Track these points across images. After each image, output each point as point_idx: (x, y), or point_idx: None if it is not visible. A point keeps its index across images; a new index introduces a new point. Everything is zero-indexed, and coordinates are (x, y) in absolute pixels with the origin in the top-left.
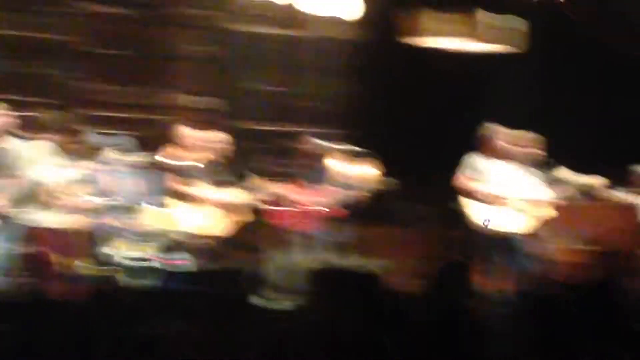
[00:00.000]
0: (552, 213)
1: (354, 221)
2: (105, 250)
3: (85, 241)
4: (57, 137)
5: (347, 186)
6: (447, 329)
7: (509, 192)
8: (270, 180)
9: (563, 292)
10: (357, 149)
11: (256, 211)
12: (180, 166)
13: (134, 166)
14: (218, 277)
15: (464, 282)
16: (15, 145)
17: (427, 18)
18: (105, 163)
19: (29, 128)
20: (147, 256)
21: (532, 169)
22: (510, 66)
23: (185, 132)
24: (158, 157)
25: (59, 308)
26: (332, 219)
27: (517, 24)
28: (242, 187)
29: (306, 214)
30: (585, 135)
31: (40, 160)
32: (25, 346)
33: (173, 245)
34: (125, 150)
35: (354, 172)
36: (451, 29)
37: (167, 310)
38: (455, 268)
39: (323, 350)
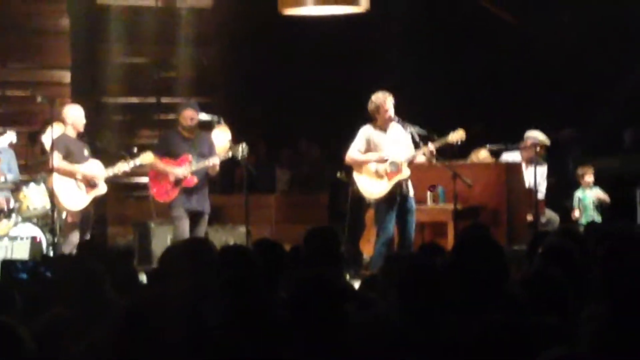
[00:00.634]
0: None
1: (214, 190)
2: None
3: None
4: None
5: (208, 154)
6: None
7: (396, 157)
8: (135, 152)
9: (434, 254)
10: (214, 116)
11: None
12: (56, 141)
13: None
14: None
15: (332, 247)
16: None
17: None
18: None
19: None
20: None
21: (404, 130)
22: (367, 28)
23: (53, 107)
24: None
25: None
26: (191, 188)
27: None
28: (110, 160)
29: (169, 184)
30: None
31: None
32: None
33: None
34: None
35: (216, 140)
36: None
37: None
38: (323, 233)
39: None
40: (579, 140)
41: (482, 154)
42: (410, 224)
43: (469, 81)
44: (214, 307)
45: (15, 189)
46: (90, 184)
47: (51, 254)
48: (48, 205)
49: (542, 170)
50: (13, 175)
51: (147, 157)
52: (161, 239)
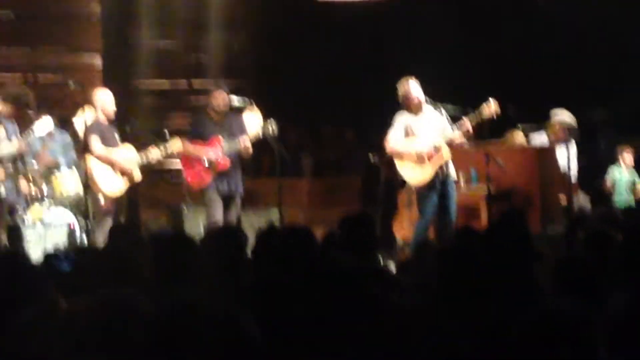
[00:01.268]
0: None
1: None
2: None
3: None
4: None
5: (239, 134)
6: (358, 278)
7: (434, 140)
8: (165, 136)
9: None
10: (245, 99)
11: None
12: (90, 126)
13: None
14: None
15: (368, 233)
16: None
17: None
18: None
19: None
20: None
21: (436, 111)
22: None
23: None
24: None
25: None
26: (224, 171)
27: None
28: (139, 145)
29: (202, 168)
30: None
31: None
32: None
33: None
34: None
35: (247, 121)
36: None
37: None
38: (359, 218)
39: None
40: (611, 121)
41: (517, 135)
42: (450, 209)
43: (499, 61)
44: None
45: (48, 173)
46: (126, 170)
47: (85, 239)
48: (81, 190)
49: (572, 150)
50: (67, 160)
51: (175, 144)
52: (194, 223)
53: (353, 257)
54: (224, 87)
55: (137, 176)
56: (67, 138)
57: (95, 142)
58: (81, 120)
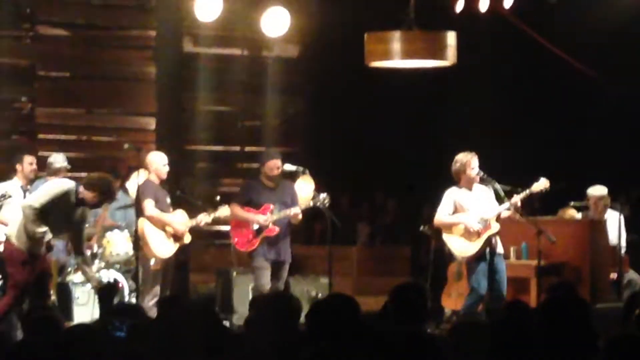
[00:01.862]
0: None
1: (296, 239)
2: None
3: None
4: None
5: (290, 204)
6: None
7: (483, 214)
8: (217, 201)
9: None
10: (299, 167)
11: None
12: (143, 187)
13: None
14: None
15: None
16: None
17: (373, 39)
18: None
19: None
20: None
21: (486, 187)
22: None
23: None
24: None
25: None
26: (273, 238)
27: (451, 39)
28: (190, 209)
29: (251, 233)
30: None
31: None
32: None
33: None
34: None
35: (300, 190)
36: (394, 49)
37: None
38: (412, 287)
39: None
40: None
41: (570, 213)
42: (499, 282)
43: (550, 137)
44: None
45: (103, 233)
46: (177, 234)
47: (133, 301)
48: (131, 252)
49: (620, 223)
50: (126, 221)
51: (224, 211)
52: (243, 288)
53: (402, 327)
54: (277, 154)
55: (187, 238)
56: (128, 199)
57: (149, 204)
58: (135, 182)
